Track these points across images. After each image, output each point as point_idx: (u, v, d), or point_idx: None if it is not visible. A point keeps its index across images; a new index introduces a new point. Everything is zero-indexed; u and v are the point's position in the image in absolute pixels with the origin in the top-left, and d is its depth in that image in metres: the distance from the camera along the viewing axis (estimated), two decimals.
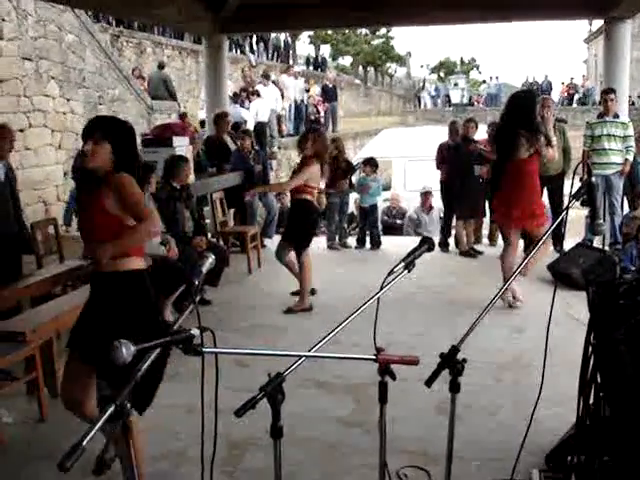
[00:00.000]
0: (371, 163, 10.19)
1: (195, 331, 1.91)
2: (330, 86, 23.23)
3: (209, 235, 7.89)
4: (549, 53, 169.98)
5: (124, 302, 3.26)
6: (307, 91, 21.17)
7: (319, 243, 9.65)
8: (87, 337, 3.27)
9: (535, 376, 3.60)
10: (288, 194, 8.01)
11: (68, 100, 12.28)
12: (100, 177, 3.27)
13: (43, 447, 4.06)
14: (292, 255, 7.02)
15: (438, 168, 9.81)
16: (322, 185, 7.45)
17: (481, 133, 9.83)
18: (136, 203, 3.28)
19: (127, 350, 1.74)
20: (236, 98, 15.47)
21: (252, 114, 15.12)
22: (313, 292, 7.32)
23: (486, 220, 9.78)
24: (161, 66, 16.84)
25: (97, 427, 1.60)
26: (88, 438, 1.57)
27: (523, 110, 6.40)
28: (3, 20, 10.51)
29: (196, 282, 2.29)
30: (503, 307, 6.46)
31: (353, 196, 11.16)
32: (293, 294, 7.16)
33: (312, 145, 6.73)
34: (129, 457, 1.86)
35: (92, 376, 3.30)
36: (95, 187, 3.28)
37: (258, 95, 16.01)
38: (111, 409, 1.67)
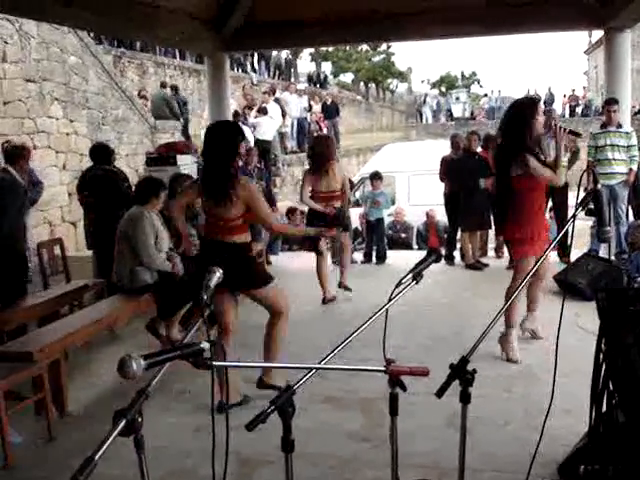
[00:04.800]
0: (377, 177, 10.21)
1: (205, 344, 1.90)
2: (329, 103, 23.09)
3: None
4: (550, 65, 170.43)
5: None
6: (309, 110, 21.18)
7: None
8: None
9: (545, 386, 3.58)
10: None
11: (72, 121, 12.33)
12: None
13: (51, 467, 4.05)
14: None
15: (442, 181, 9.82)
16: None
17: None
18: None
19: (137, 365, 1.74)
20: (238, 117, 15.51)
21: (253, 132, 15.17)
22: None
23: (492, 233, 9.78)
24: (163, 85, 16.90)
25: (109, 442, 1.60)
26: (100, 452, 1.56)
27: (514, 122, 5.40)
28: (6, 43, 10.58)
29: (204, 297, 2.29)
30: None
31: (356, 211, 11.17)
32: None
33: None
34: (142, 473, 1.85)
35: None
36: None
37: (265, 113, 16.04)
38: (122, 424, 1.67)
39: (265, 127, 15.75)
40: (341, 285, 7.88)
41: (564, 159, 6.46)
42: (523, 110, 5.38)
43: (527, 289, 5.72)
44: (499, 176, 5.71)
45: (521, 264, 5.45)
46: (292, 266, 9.75)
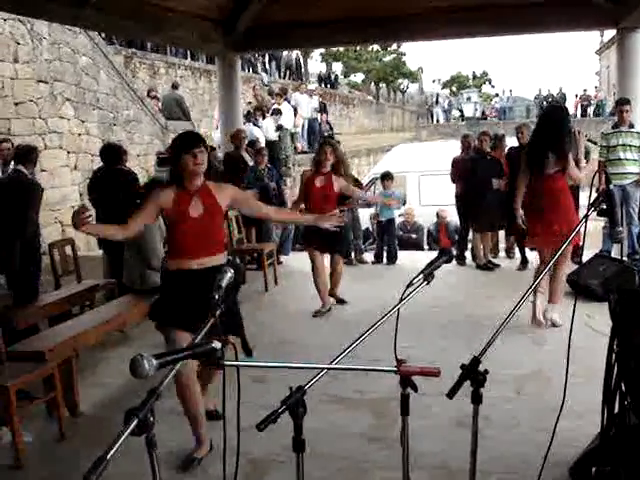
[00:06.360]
0: (388, 177, 10.18)
1: (217, 344, 1.90)
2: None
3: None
4: (561, 65, 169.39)
5: None
6: (319, 110, 20.99)
7: None
8: None
9: (556, 388, 3.57)
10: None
11: (83, 121, 12.38)
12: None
13: (63, 466, 4.07)
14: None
15: (453, 182, 9.80)
16: None
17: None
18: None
19: (149, 364, 1.74)
20: (249, 117, 15.51)
21: (264, 132, 15.16)
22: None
23: (503, 233, 9.76)
24: (175, 86, 16.92)
25: (120, 441, 1.60)
26: (112, 451, 1.56)
27: (552, 126, 6.07)
28: (18, 43, 10.64)
29: (216, 296, 2.29)
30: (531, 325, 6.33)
31: (366, 212, 11.15)
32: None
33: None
34: (153, 472, 1.85)
35: None
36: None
37: (273, 113, 16.01)
38: (134, 423, 1.67)
39: (272, 126, 15.71)
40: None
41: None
42: (567, 114, 6.49)
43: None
44: (538, 173, 6.07)
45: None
46: (302, 266, 9.75)
